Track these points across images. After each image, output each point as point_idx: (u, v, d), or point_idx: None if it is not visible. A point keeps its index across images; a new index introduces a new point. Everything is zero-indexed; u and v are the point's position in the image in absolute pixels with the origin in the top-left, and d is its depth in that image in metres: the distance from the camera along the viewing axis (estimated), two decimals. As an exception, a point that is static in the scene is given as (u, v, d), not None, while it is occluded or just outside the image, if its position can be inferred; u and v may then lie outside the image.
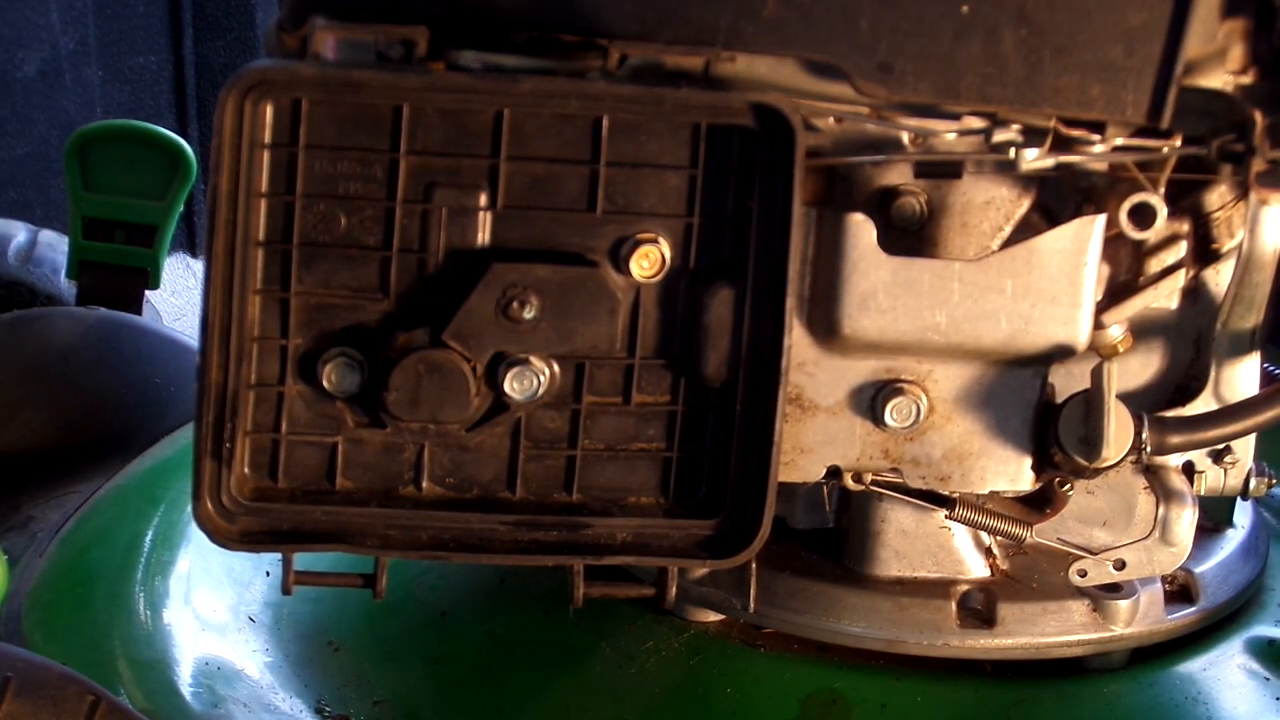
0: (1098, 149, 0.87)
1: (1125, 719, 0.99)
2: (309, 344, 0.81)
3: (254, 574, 1.21)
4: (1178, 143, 0.87)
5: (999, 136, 0.87)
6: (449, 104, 0.78)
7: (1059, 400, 0.94)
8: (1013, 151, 0.87)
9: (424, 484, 0.84)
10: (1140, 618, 1.00)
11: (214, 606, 1.17)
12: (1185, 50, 0.82)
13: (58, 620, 1.15)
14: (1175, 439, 0.94)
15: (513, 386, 0.81)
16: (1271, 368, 1.08)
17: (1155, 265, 0.96)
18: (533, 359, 0.81)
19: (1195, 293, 1.00)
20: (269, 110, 0.77)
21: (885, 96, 0.83)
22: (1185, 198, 0.96)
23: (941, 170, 0.91)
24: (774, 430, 0.81)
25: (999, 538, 1.00)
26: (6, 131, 3.05)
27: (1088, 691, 1.01)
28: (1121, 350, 0.98)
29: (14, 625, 1.14)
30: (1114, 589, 1.00)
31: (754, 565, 0.93)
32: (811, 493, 1.03)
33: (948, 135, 0.88)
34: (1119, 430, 0.91)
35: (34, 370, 1.65)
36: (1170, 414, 0.97)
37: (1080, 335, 0.91)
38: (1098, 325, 0.94)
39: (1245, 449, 1.02)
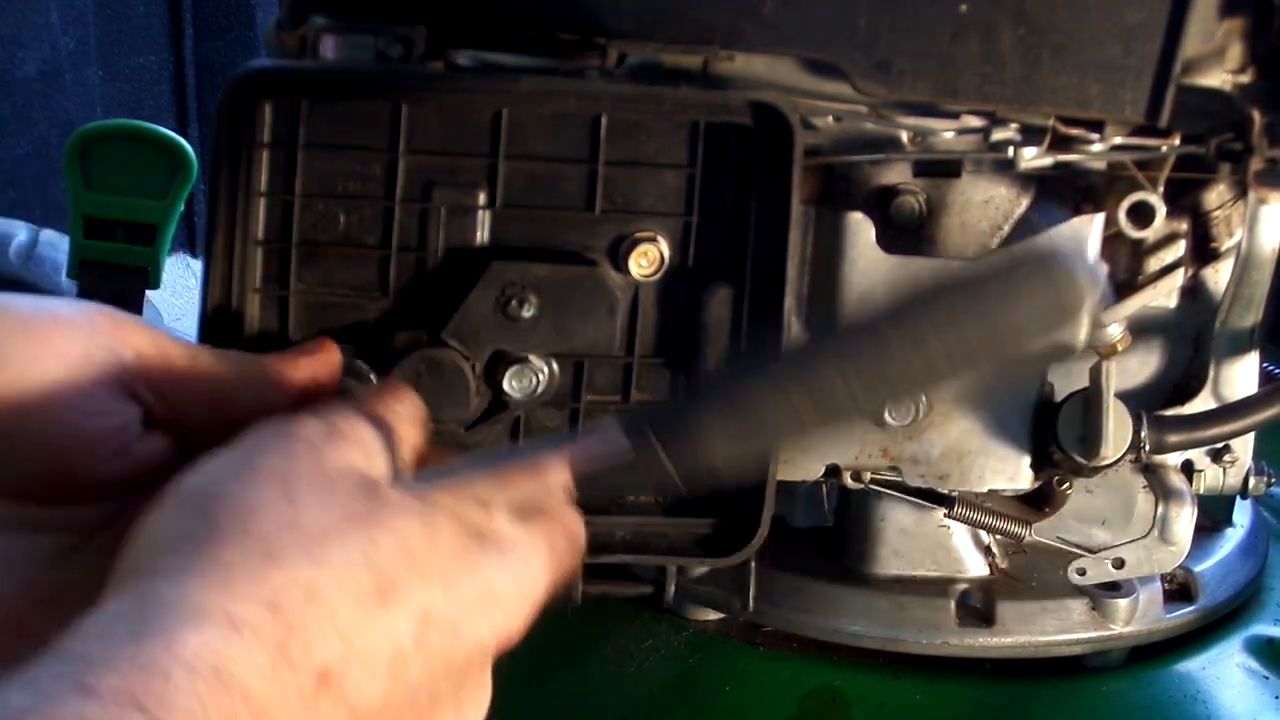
0: (1096, 148, 0.87)
1: (1124, 717, 0.99)
2: (308, 343, 0.81)
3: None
4: (1176, 142, 0.87)
5: (997, 135, 0.87)
6: (448, 103, 0.78)
7: (1058, 399, 0.94)
8: (1011, 150, 0.87)
9: (423, 482, 0.84)
10: (1139, 616, 1.00)
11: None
12: (1184, 49, 0.82)
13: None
14: (1174, 438, 0.94)
15: (512, 385, 0.81)
16: (1270, 366, 1.08)
17: (1154, 264, 0.96)
18: (532, 357, 0.81)
19: (1194, 291, 1.00)
20: (268, 109, 0.77)
21: (884, 95, 0.83)
22: (1184, 196, 0.95)
23: (940, 169, 0.91)
24: (773, 429, 0.81)
25: (998, 536, 1.00)
26: (6, 131, 3.05)
27: (1086, 690, 1.01)
28: (1120, 349, 0.97)
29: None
30: (1113, 587, 1.00)
31: (753, 564, 0.93)
32: (811, 491, 1.03)
33: (946, 134, 0.88)
34: (1118, 429, 0.91)
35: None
36: (1169, 413, 0.97)
37: (1079, 334, 0.91)
38: (1096, 324, 0.94)
39: (1244, 448, 1.02)
